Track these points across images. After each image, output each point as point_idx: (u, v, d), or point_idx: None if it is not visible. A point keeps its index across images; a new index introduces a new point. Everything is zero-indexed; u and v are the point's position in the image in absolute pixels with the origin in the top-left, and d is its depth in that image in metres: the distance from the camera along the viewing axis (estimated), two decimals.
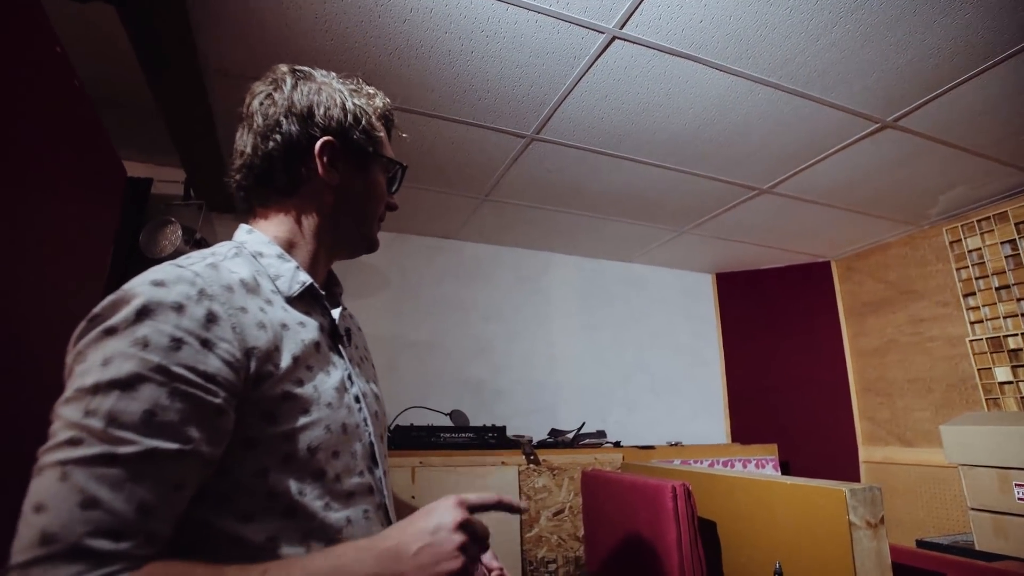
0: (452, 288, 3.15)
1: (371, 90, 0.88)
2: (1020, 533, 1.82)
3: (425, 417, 2.70)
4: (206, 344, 0.60)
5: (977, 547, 1.92)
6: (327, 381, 0.73)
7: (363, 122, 0.82)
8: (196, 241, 2.46)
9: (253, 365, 0.64)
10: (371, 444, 0.78)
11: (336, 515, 0.68)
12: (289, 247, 0.79)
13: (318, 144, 0.78)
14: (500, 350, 3.16)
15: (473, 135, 2.08)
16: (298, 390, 0.68)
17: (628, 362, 3.46)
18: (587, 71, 1.71)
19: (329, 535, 0.67)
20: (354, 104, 0.82)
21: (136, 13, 1.35)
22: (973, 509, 1.96)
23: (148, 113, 1.92)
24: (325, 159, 0.79)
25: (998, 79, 1.73)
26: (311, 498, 0.66)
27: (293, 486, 0.65)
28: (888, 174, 2.37)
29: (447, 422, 2.68)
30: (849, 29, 1.53)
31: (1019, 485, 1.84)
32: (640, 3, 1.44)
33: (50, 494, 0.51)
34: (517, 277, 3.33)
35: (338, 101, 0.80)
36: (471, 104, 1.88)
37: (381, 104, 0.88)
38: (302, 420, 0.67)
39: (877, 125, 1.99)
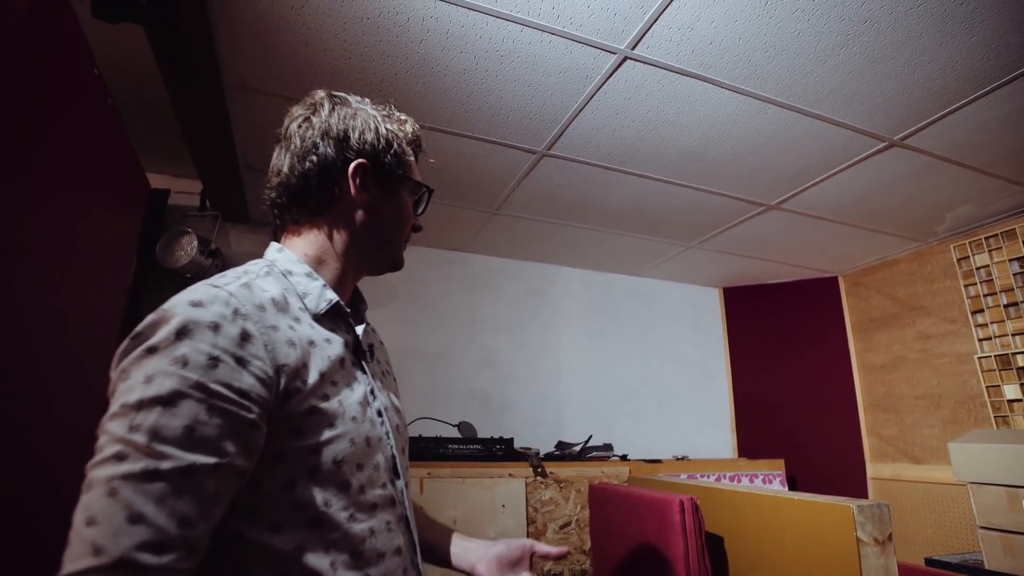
0: (461, 300, 3.18)
1: (402, 116, 0.91)
2: None
3: (433, 428, 2.72)
4: (240, 362, 0.63)
5: (987, 566, 1.91)
6: (351, 396, 0.75)
7: (394, 146, 0.86)
8: (211, 252, 2.50)
9: (283, 382, 0.67)
10: (393, 457, 0.80)
11: (360, 526, 0.71)
12: (318, 264, 0.83)
13: (352, 165, 0.82)
14: (508, 362, 3.18)
15: (485, 151, 2.11)
16: (324, 405, 0.70)
17: (635, 375, 3.47)
18: (599, 90, 1.74)
19: (353, 545, 0.69)
20: (387, 129, 0.86)
21: (163, 32, 1.39)
22: (982, 527, 1.96)
23: (166, 124, 1.97)
24: (358, 180, 0.82)
25: (1005, 99, 1.75)
26: (336, 509, 0.69)
27: (319, 497, 0.68)
28: (895, 192, 2.38)
29: (455, 433, 2.70)
30: (856, 51, 1.56)
31: None
32: (652, 25, 1.47)
33: (99, 508, 0.55)
34: (526, 290, 3.35)
35: (372, 126, 0.84)
36: (484, 121, 1.91)
37: (411, 130, 0.91)
38: (328, 434, 0.70)
39: (884, 144, 2.02)
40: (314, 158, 0.80)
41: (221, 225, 2.66)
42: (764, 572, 1.31)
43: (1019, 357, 2.47)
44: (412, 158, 0.91)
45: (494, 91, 1.75)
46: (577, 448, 2.77)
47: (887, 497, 3.03)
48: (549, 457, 2.67)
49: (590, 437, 2.86)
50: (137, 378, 0.59)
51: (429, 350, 3.01)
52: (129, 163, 1.63)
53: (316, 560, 0.66)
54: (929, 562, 2.03)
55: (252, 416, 0.63)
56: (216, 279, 0.71)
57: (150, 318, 0.63)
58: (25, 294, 1.05)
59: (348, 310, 0.84)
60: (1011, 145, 2.01)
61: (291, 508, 0.66)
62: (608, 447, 2.83)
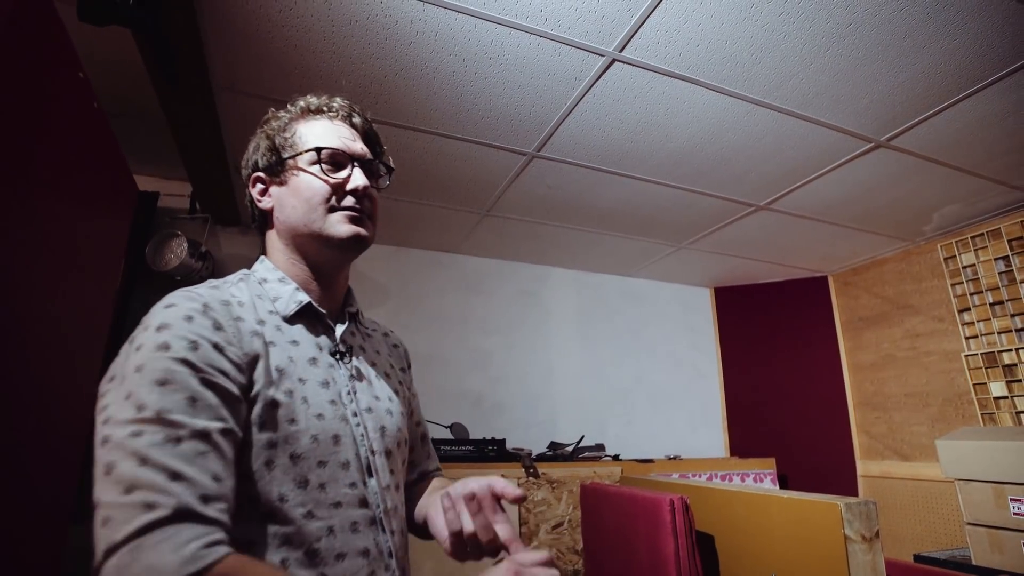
0: (453, 301, 3.18)
1: (310, 98, 0.90)
2: (1015, 548, 1.83)
3: None
4: (216, 347, 0.68)
5: (974, 562, 1.93)
6: (321, 394, 0.77)
7: (275, 139, 0.87)
8: (201, 254, 2.49)
9: (248, 368, 0.71)
10: (367, 457, 0.80)
11: (317, 523, 0.70)
12: (286, 270, 0.86)
13: (249, 182, 0.89)
14: (500, 363, 3.18)
15: (475, 152, 2.12)
16: (286, 400, 0.72)
17: (627, 375, 3.48)
18: (587, 92, 1.75)
19: (308, 543, 0.69)
20: (268, 130, 0.88)
21: (150, 34, 1.39)
22: (969, 524, 1.98)
23: (155, 126, 1.96)
24: (256, 190, 0.88)
25: (987, 101, 1.78)
26: (291, 505, 0.69)
27: (274, 492, 0.68)
28: (882, 192, 2.41)
29: (447, 435, 2.70)
30: (841, 53, 1.58)
31: (1015, 500, 1.86)
32: (639, 27, 1.48)
33: (137, 475, 0.56)
34: (517, 291, 3.36)
35: (258, 133, 0.89)
36: (474, 123, 1.92)
37: (303, 104, 0.89)
38: (288, 428, 0.71)
39: (871, 144, 2.04)
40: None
41: (211, 227, 2.65)
42: (754, 570, 1.32)
43: (1005, 355, 2.50)
44: (301, 136, 0.86)
45: (483, 93, 1.76)
46: (569, 448, 2.78)
47: (877, 494, 3.06)
48: (541, 458, 2.68)
49: (582, 437, 2.87)
50: (128, 371, 0.63)
51: (421, 351, 3.01)
52: (117, 166, 1.62)
53: (266, 557, 0.66)
54: (918, 558, 2.04)
55: (236, 392, 0.67)
56: (190, 287, 0.75)
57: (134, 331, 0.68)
58: (10, 298, 1.05)
59: (323, 311, 0.85)
60: (994, 145, 2.04)
61: (246, 500, 0.67)
62: (600, 447, 2.84)
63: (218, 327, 0.69)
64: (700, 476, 2.81)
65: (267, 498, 0.68)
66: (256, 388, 0.70)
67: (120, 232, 1.65)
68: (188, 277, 2.41)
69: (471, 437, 2.70)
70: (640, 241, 3.05)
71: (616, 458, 2.83)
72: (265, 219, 0.88)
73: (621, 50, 1.57)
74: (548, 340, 3.35)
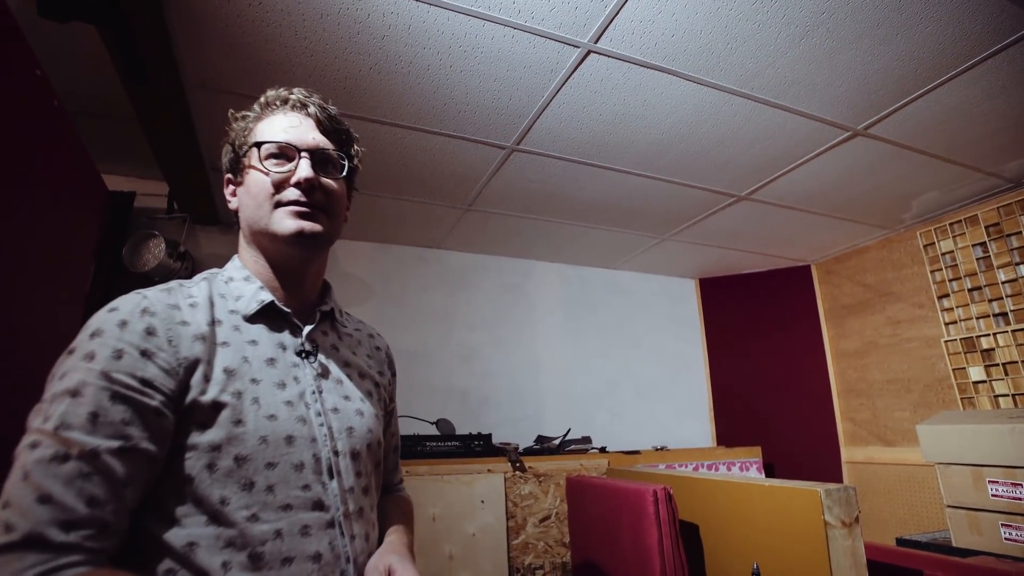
0: (437, 297, 3.17)
1: (269, 92, 0.88)
2: (994, 529, 1.86)
3: (411, 426, 2.71)
4: (145, 354, 0.68)
5: (954, 543, 1.96)
6: (277, 394, 0.76)
7: (237, 140, 0.86)
8: (180, 254, 2.45)
9: (184, 374, 0.70)
10: (328, 459, 0.78)
11: (263, 527, 0.69)
12: (252, 269, 0.85)
13: (224, 182, 0.89)
14: (485, 358, 3.18)
15: (455, 147, 2.10)
16: (232, 401, 0.71)
17: (613, 368, 3.49)
18: (564, 84, 1.74)
19: (251, 545, 0.68)
20: (233, 129, 0.88)
21: (116, 31, 1.36)
22: (950, 506, 2.01)
23: (130, 126, 1.93)
24: (228, 191, 0.89)
25: (961, 88, 1.79)
26: (234, 507, 0.68)
27: (216, 494, 0.68)
28: (862, 180, 2.42)
29: (433, 431, 2.69)
30: (816, 42, 1.58)
31: (992, 482, 1.88)
32: (613, 18, 1.48)
33: (13, 492, 0.59)
34: (501, 285, 3.35)
35: (227, 136, 0.89)
36: (451, 116, 1.90)
37: (264, 99, 0.88)
38: (233, 430, 0.70)
39: (848, 133, 2.05)
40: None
41: (190, 227, 2.61)
42: (738, 557, 1.33)
43: (983, 339, 2.53)
44: (255, 132, 0.85)
45: (460, 87, 1.74)
46: (556, 442, 2.78)
47: (861, 480, 3.10)
48: (528, 452, 2.68)
49: (568, 431, 2.88)
50: (56, 375, 0.66)
51: (406, 348, 3.00)
52: (82, 166, 1.59)
53: (207, 559, 0.66)
54: (900, 542, 2.07)
55: (155, 403, 0.67)
56: (142, 289, 0.75)
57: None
58: None
59: (287, 310, 0.83)
60: (969, 133, 2.05)
61: (190, 503, 0.67)
62: (587, 440, 2.85)
63: (151, 332, 0.69)
64: (687, 466, 2.82)
65: (209, 501, 0.67)
66: (192, 394, 0.69)
67: (89, 233, 1.62)
68: (167, 278, 2.35)
69: (457, 432, 2.69)
70: (624, 233, 3.05)
71: (603, 450, 2.83)
72: (237, 219, 0.89)
73: (596, 41, 1.56)
74: (534, 334, 3.35)
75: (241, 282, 0.83)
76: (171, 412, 0.68)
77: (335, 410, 0.82)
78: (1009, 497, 1.84)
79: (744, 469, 2.99)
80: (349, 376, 0.89)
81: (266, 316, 0.82)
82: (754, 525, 1.29)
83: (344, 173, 0.88)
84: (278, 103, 0.86)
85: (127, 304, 0.71)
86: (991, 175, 2.39)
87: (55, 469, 0.59)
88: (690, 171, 2.33)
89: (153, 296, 0.73)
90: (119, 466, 0.63)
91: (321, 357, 0.85)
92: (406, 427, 2.69)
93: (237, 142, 0.86)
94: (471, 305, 3.24)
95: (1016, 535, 1.81)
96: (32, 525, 0.57)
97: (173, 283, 0.80)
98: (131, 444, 0.64)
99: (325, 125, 0.87)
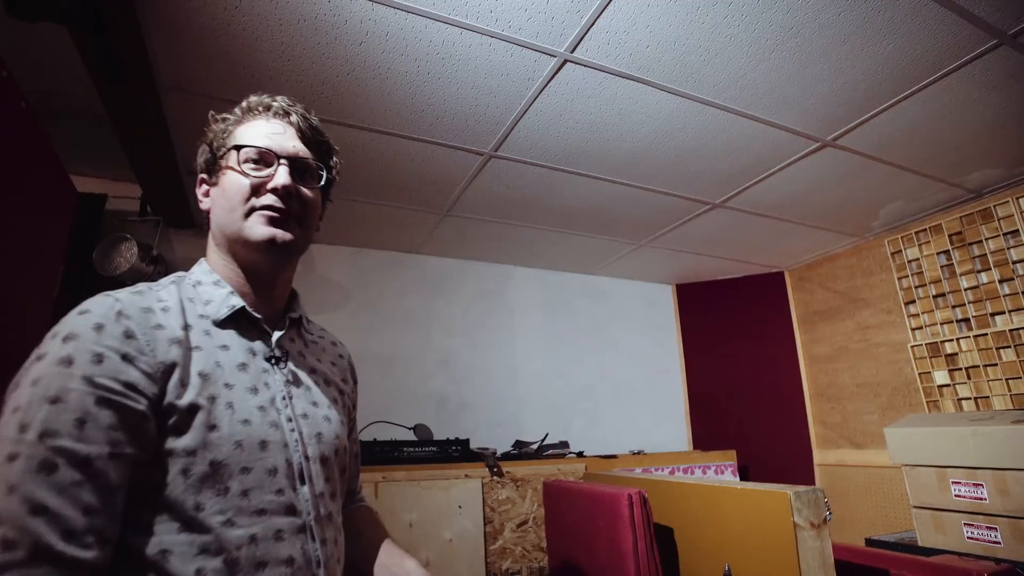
0: (415, 302, 3.16)
1: (251, 97, 0.88)
2: (957, 528, 1.92)
3: (388, 432, 2.69)
4: (126, 358, 0.66)
5: (920, 543, 2.02)
6: (249, 399, 0.75)
7: (215, 142, 0.86)
8: (153, 258, 2.41)
9: (163, 378, 0.69)
10: (300, 464, 0.78)
11: (237, 532, 0.69)
12: (221, 273, 0.84)
13: (197, 183, 0.88)
14: (463, 363, 3.18)
15: (433, 153, 2.11)
16: (207, 405, 0.71)
17: (591, 373, 3.51)
18: (541, 92, 1.76)
19: (226, 551, 0.67)
20: (212, 130, 0.87)
21: (88, 32, 1.34)
22: (915, 507, 2.06)
23: (103, 127, 1.90)
24: (200, 191, 0.88)
25: (923, 102, 1.85)
26: (208, 513, 0.67)
27: (190, 500, 0.67)
28: (831, 189, 2.49)
29: (411, 436, 2.68)
30: (785, 56, 1.62)
31: (955, 483, 1.94)
32: (589, 28, 1.50)
33: (1, 508, 0.55)
34: (480, 291, 3.35)
35: (204, 138, 0.88)
36: (429, 123, 1.91)
37: (245, 104, 0.88)
38: (208, 435, 0.69)
39: (818, 144, 2.10)
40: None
41: (164, 230, 2.57)
42: (711, 559, 1.35)
43: (947, 345, 2.61)
44: (235, 135, 0.85)
45: (437, 93, 1.75)
46: (534, 447, 2.79)
47: (832, 482, 3.16)
48: (506, 456, 2.68)
49: (546, 435, 2.89)
50: (25, 383, 0.62)
51: (384, 353, 2.98)
52: (50, 168, 1.56)
53: (181, 566, 0.65)
54: (868, 542, 2.12)
55: (141, 408, 0.65)
56: (112, 291, 0.73)
57: (46, 336, 0.66)
58: None
59: (258, 316, 0.83)
60: (932, 145, 2.13)
61: (162, 510, 0.66)
62: (564, 444, 2.86)
63: (129, 335, 0.67)
64: (663, 470, 2.85)
65: (183, 507, 0.66)
66: (169, 398, 0.68)
67: (58, 235, 1.59)
68: (139, 282, 2.34)
69: (435, 438, 2.69)
70: (601, 239, 3.08)
71: (580, 455, 2.85)
72: (208, 220, 0.87)
73: (572, 51, 1.58)
74: (512, 339, 3.36)
75: (210, 286, 0.82)
76: (154, 416, 0.67)
77: (304, 416, 0.82)
78: (971, 497, 1.90)
79: (719, 472, 3.03)
80: (316, 383, 0.89)
81: (236, 321, 0.81)
82: (727, 528, 1.31)
83: (321, 184, 0.88)
84: (260, 109, 0.86)
85: (100, 307, 0.68)
86: (953, 186, 2.48)
87: (45, 478, 0.57)
88: (666, 179, 2.37)
89: (125, 299, 0.71)
90: (111, 473, 0.61)
91: (290, 363, 0.86)
92: (384, 432, 2.68)
93: (215, 143, 0.85)
94: (449, 310, 3.24)
95: (978, 534, 1.86)
96: (34, 539, 0.54)
97: (142, 286, 0.78)
98: (120, 450, 0.62)
99: (306, 135, 0.87)
